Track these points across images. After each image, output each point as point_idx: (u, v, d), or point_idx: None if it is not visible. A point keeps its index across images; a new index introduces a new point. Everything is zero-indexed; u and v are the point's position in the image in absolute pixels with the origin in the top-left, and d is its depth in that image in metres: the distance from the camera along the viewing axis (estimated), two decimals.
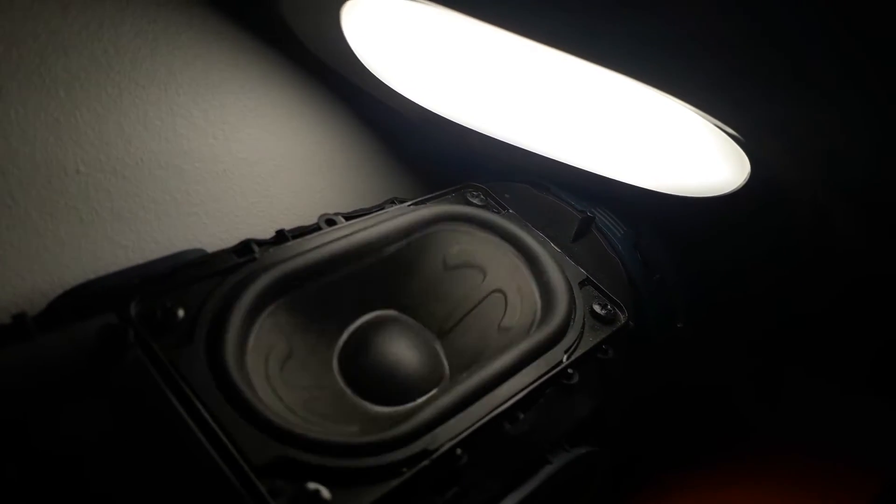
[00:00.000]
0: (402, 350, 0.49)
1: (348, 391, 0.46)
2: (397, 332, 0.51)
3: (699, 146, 0.51)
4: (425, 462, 0.40)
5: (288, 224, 0.51)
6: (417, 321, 0.54)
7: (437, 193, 0.58)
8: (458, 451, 0.41)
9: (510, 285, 0.54)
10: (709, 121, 0.42)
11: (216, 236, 0.56)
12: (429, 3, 0.43)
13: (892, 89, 0.38)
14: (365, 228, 0.52)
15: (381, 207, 0.56)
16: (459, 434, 0.42)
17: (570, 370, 0.48)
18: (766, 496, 0.61)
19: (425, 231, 0.54)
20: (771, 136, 0.43)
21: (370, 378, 0.47)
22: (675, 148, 0.53)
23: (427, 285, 0.54)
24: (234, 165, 0.57)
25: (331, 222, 0.53)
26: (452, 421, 0.42)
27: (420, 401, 0.46)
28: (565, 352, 0.49)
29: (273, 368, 0.43)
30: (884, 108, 0.39)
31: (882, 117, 0.40)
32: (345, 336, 0.50)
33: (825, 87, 0.39)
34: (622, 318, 0.54)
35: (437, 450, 0.40)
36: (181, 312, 0.42)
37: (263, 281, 0.45)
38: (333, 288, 0.50)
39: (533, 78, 0.55)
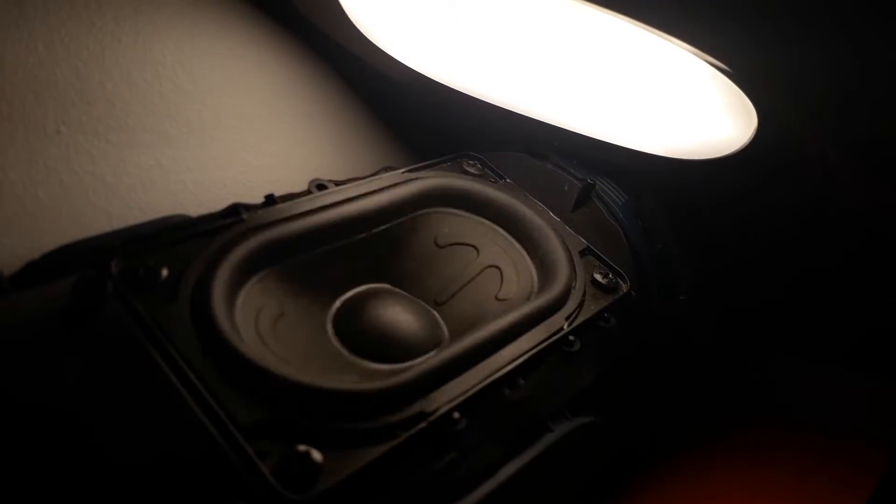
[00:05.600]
0: (400, 313, 0.47)
1: (344, 351, 0.44)
2: (393, 299, 0.49)
3: (704, 102, 0.50)
4: (422, 424, 0.38)
5: (277, 193, 0.49)
6: (412, 294, 0.52)
7: (433, 161, 0.57)
8: (456, 414, 0.39)
9: (505, 261, 0.53)
10: (713, 65, 0.40)
11: (203, 204, 0.54)
12: None
13: None
14: (356, 197, 0.50)
15: (374, 176, 0.54)
16: (457, 397, 0.40)
17: (571, 337, 0.47)
18: (773, 478, 0.60)
19: (414, 213, 0.52)
20: (778, 86, 0.41)
21: (367, 339, 0.45)
22: (678, 106, 0.52)
23: (419, 261, 0.52)
24: (222, 132, 0.56)
25: (321, 187, 0.51)
26: (450, 384, 0.40)
27: (419, 360, 0.44)
28: (566, 319, 0.48)
29: (264, 325, 0.41)
30: None
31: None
32: (338, 303, 0.48)
33: (837, 32, 0.38)
34: (624, 287, 0.52)
35: (433, 412, 0.38)
36: (165, 271, 0.40)
37: (253, 242, 0.43)
38: (324, 259, 0.48)
39: (529, 39, 0.54)
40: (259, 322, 0.41)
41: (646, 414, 0.57)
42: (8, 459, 0.32)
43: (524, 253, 0.53)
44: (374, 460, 0.36)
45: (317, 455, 0.34)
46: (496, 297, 0.51)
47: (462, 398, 0.40)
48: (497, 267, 0.52)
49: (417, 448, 0.38)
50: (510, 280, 0.52)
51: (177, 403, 0.35)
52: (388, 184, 0.52)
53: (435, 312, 0.50)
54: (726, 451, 0.63)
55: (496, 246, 0.53)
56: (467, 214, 0.54)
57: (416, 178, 0.53)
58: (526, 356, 0.44)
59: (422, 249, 0.53)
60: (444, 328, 0.49)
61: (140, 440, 0.34)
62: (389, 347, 0.45)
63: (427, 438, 0.38)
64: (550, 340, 0.46)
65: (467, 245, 0.53)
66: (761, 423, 0.66)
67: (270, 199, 0.48)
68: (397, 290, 0.51)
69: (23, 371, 0.34)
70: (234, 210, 0.46)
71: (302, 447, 0.34)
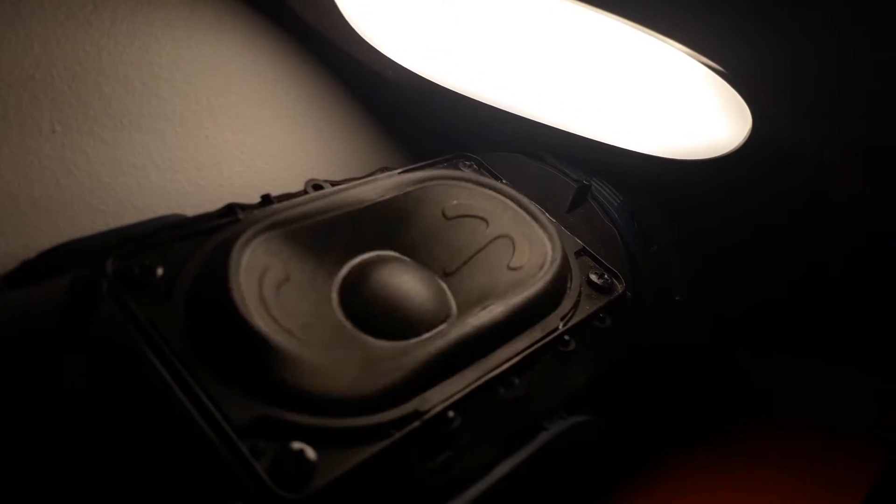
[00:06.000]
0: (407, 283, 0.46)
1: (348, 324, 0.43)
2: (401, 268, 0.48)
3: (699, 103, 0.50)
4: (416, 423, 0.38)
5: (274, 194, 0.49)
6: (419, 263, 0.50)
7: (428, 162, 0.57)
8: (451, 413, 0.39)
9: (516, 232, 0.51)
10: (708, 66, 0.41)
11: (199, 205, 0.54)
12: None
13: None
14: (354, 187, 0.50)
15: (370, 177, 0.54)
16: (452, 396, 0.40)
17: (566, 337, 0.47)
18: (770, 477, 0.60)
19: (420, 186, 0.51)
20: (773, 87, 0.41)
21: (372, 310, 0.44)
22: (673, 107, 0.52)
23: (427, 231, 0.51)
24: (218, 133, 0.56)
25: (318, 188, 0.51)
26: (445, 383, 0.40)
27: (426, 336, 0.43)
28: (561, 319, 0.48)
29: (268, 289, 0.41)
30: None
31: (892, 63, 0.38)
32: (344, 270, 0.47)
33: (832, 32, 0.38)
34: (619, 287, 0.52)
35: (428, 411, 0.38)
36: (160, 271, 0.40)
37: (248, 234, 0.42)
38: (330, 225, 0.47)
39: (524, 40, 0.54)
40: (263, 285, 0.40)
41: (641, 414, 0.57)
42: (2, 460, 0.32)
43: (535, 225, 0.52)
44: (369, 459, 0.36)
45: (311, 453, 0.34)
46: (508, 266, 0.50)
47: (456, 397, 0.40)
48: (508, 237, 0.51)
49: (412, 447, 0.38)
50: (522, 249, 0.50)
51: (171, 403, 0.35)
52: (384, 180, 0.52)
53: (443, 283, 0.49)
54: (723, 450, 0.63)
55: (506, 218, 0.52)
56: (475, 187, 0.53)
57: (416, 172, 0.53)
58: (521, 356, 0.44)
59: (430, 220, 0.51)
60: (452, 300, 0.48)
61: (134, 439, 0.34)
62: (394, 322, 0.44)
63: (421, 437, 0.38)
64: (545, 340, 0.46)
65: (476, 217, 0.53)
66: (758, 423, 0.66)
67: (266, 199, 0.48)
68: (405, 258, 0.50)
69: (17, 370, 0.34)
70: (230, 210, 0.46)
71: (296, 445, 0.34)
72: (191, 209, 0.53)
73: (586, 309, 0.50)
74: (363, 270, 0.47)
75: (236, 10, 0.55)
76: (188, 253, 0.42)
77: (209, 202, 0.55)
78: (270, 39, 0.58)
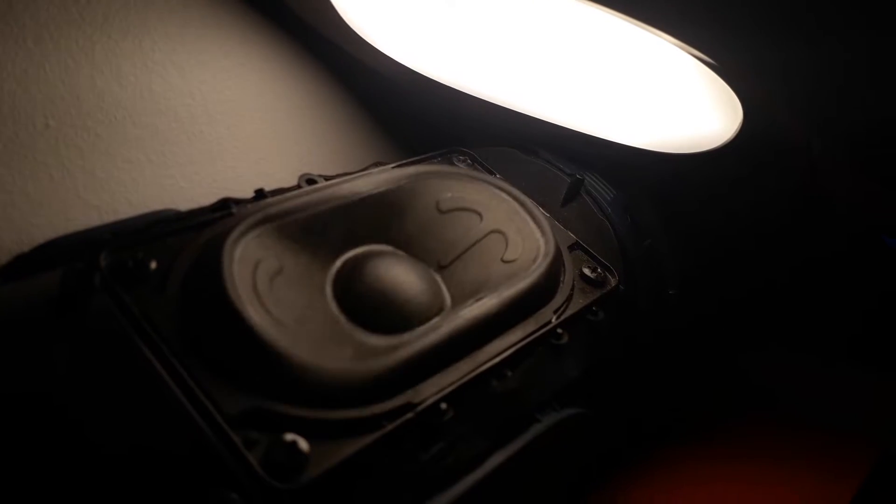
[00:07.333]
0: (401, 275, 0.46)
1: (342, 318, 0.43)
2: (394, 260, 0.48)
3: (690, 96, 0.50)
4: (409, 415, 0.38)
5: (268, 188, 0.49)
6: (413, 257, 0.50)
7: (422, 157, 0.57)
8: (444, 405, 0.39)
9: (509, 227, 0.51)
10: (699, 58, 0.41)
11: (193, 200, 0.54)
12: None
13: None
14: (348, 181, 0.50)
15: (364, 171, 0.54)
16: (444, 388, 0.40)
17: (559, 330, 0.47)
18: (764, 470, 0.60)
19: (414, 179, 0.51)
20: (764, 79, 0.41)
21: (366, 304, 0.44)
22: (665, 101, 0.52)
23: (421, 224, 0.51)
24: (212, 127, 0.56)
25: (311, 182, 0.51)
26: (438, 376, 0.40)
27: (419, 330, 0.43)
28: (554, 312, 0.48)
29: (262, 281, 0.41)
30: (885, 47, 0.38)
31: (884, 58, 0.38)
32: (338, 263, 0.47)
33: (822, 25, 0.38)
34: (612, 281, 0.53)
35: (421, 403, 0.39)
36: (154, 264, 0.40)
37: (242, 227, 0.43)
38: (323, 219, 0.47)
39: (516, 34, 0.54)
40: (257, 276, 0.40)
41: (634, 406, 0.57)
42: None
43: (529, 218, 0.52)
44: (361, 450, 0.36)
45: (304, 444, 0.34)
46: (502, 259, 0.50)
47: (449, 389, 0.40)
48: (501, 232, 0.52)
49: (404, 438, 0.38)
50: (515, 243, 0.51)
51: (164, 394, 0.35)
52: (378, 174, 0.52)
53: (437, 276, 0.49)
54: (716, 443, 0.64)
55: (500, 212, 0.52)
56: (469, 180, 0.53)
57: (410, 167, 0.53)
58: (514, 348, 0.44)
59: (424, 213, 0.51)
60: (446, 293, 0.48)
61: (128, 431, 0.34)
62: (388, 315, 0.44)
63: (414, 429, 0.38)
64: (538, 333, 0.46)
65: (470, 210, 0.53)
66: (751, 415, 0.66)
67: (260, 194, 0.48)
68: (399, 251, 0.50)
69: (10, 362, 0.34)
70: (224, 204, 0.46)
71: (289, 437, 0.34)
72: (184, 204, 0.53)
73: (579, 302, 0.50)
74: (357, 264, 0.46)
75: (230, 5, 0.55)
76: (181, 247, 0.42)
77: (203, 197, 0.55)
78: (264, 34, 0.58)
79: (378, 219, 0.49)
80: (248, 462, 0.33)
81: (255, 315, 0.37)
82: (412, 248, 0.50)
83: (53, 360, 0.34)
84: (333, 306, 0.44)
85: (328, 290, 0.45)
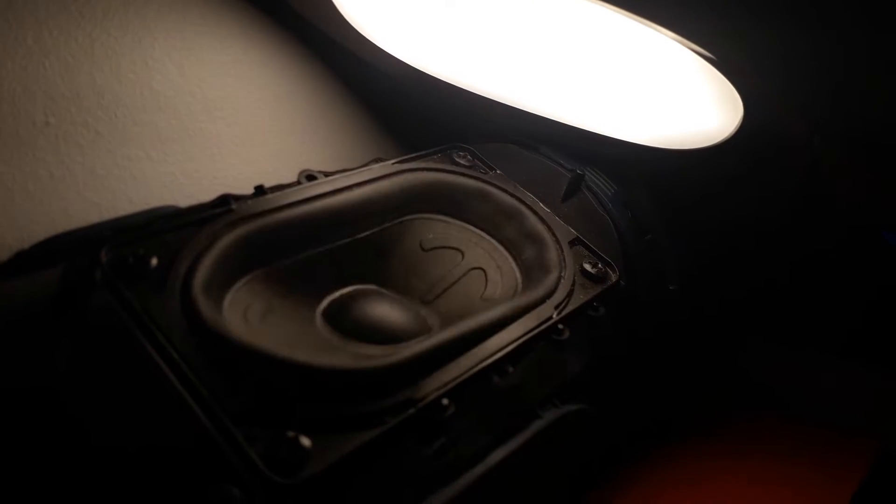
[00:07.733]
0: (388, 307, 0.48)
1: (335, 337, 0.44)
2: (381, 296, 0.50)
3: (691, 92, 0.50)
4: (410, 410, 0.38)
5: (268, 185, 0.49)
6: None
7: (423, 153, 0.57)
8: (445, 401, 0.39)
9: (489, 264, 0.53)
10: (699, 54, 0.41)
11: (192, 197, 0.54)
12: None
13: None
14: (345, 187, 0.50)
15: (364, 167, 0.54)
16: (446, 384, 0.40)
17: (560, 326, 0.47)
18: (765, 466, 0.60)
19: (400, 219, 0.53)
20: (764, 75, 0.41)
21: (357, 329, 0.45)
22: (666, 96, 0.52)
23: (405, 264, 0.53)
24: (212, 124, 0.56)
25: (311, 178, 0.51)
26: (439, 371, 0.40)
27: (409, 342, 0.44)
28: (555, 307, 0.48)
29: (253, 318, 0.41)
30: (885, 44, 0.38)
31: (884, 53, 0.38)
32: (325, 302, 0.48)
33: (823, 20, 0.38)
34: (613, 276, 0.53)
35: (422, 399, 0.39)
36: (154, 260, 0.40)
37: (240, 231, 0.43)
38: (309, 264, 0.48)
39: (517, 30, 0.54)
40: (248, 315, 0.41)
41: (636, 402, 0.57)
42: None
43: (508, 256, 0.53)
44: (363, 446, 0.36)
45: (305, 440, 0.34)
46: (481, 298, 0.51)
47: (451, 385, 0.40)
48: (481, 269, 0.53)
49: (406, 434, 0.38)
50: (494, 281, 0.52)
51: (166, 390, 0.35)
52: (377, 175, 0.52)
53: (423, 311, 0.50)
54: (716, 440, 0.64)
55: (480, 249, 0.54)
56: (452, 220, 0.55)
57: (403, 172, 0.54)
58: (515, 344, 0.44)
59: (407, 253, 0.53)
60: (433, 323, 0.49)
61: (129, 427, 0.34)
62: (380, 333, 0.45)
63: (416, 425, 0.38)
64: (540, 329, 0.46)
65: (452, 248, 0.54)
66: (751, 412, 0.66)
67: (260, 190, 0.48)
68: (385, 290, 0.51)
69: (11, 358, 0.34)
70: (224, 200, 0.46)
71: (290, 432, 0.34)
72: (185, 200, 0.53)
73: (580, 298, 0.50)
74: (345, 300, 0.48)
75: (229, 2, 0.55)
76: (182, 242, 0.42)
77: (203, 193, 0.55)
78: (263, 30, 0.58)
79: (363, 261, 0.51)
80: (249, 457, 0.33)
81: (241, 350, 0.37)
82: (396, 286, 0.51)
83: (55, 356, 0.34)
84: (326, 331, 0.45)
85: (318, 320, 0.46)
